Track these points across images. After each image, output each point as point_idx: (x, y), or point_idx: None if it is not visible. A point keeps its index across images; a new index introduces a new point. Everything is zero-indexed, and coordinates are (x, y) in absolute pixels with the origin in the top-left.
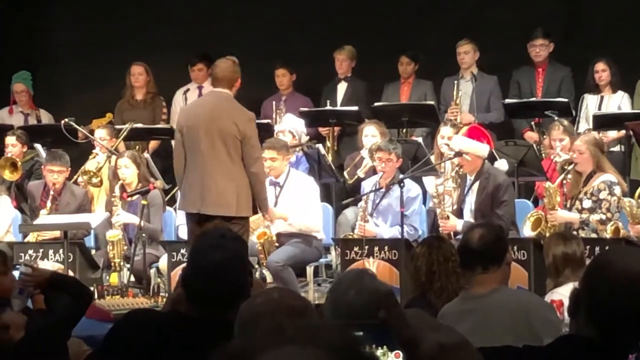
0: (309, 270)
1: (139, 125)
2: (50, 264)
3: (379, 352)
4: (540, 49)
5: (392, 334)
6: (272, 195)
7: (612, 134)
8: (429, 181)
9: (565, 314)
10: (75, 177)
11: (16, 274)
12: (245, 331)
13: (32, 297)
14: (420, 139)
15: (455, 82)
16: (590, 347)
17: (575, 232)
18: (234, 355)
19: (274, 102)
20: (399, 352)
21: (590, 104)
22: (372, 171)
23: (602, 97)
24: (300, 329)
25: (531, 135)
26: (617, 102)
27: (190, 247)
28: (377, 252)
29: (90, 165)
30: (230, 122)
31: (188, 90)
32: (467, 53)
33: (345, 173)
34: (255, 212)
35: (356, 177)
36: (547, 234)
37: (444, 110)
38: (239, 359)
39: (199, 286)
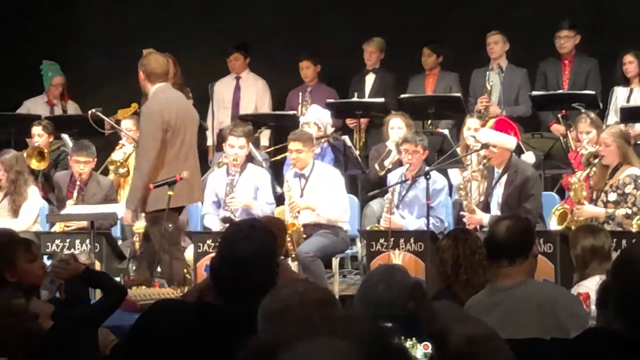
0: (335, 261)
1: None
2: (85, 255)
3: (408, 343)
4: (565, 40)
5: (421, 326)
6: (297, 187)
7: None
8: (454, 173)
9: (592, 306)
10: (102, 167)
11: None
12: (270, 324)
13: (60, 287)
14: (446, 131)
15: (488, 73)
16: (618, 340)
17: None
18: (263, 346)
19: (299, 94)
20: (428, 343)
21: (619, 97)
22: (399, 163)
23: (631, 90)
24: (329, 320)
25: (557, 128)
26: None
27: (221, 237)
28: (402, 244)
29: (116, 155)
30: (194, 113)
31: (226, 80)
32: (496, 43)
33: (376, 165)
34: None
35: (385, 169)
36: (573, 227)
37: (474, 102)
38: (268, 351)
39: (227, 276)
